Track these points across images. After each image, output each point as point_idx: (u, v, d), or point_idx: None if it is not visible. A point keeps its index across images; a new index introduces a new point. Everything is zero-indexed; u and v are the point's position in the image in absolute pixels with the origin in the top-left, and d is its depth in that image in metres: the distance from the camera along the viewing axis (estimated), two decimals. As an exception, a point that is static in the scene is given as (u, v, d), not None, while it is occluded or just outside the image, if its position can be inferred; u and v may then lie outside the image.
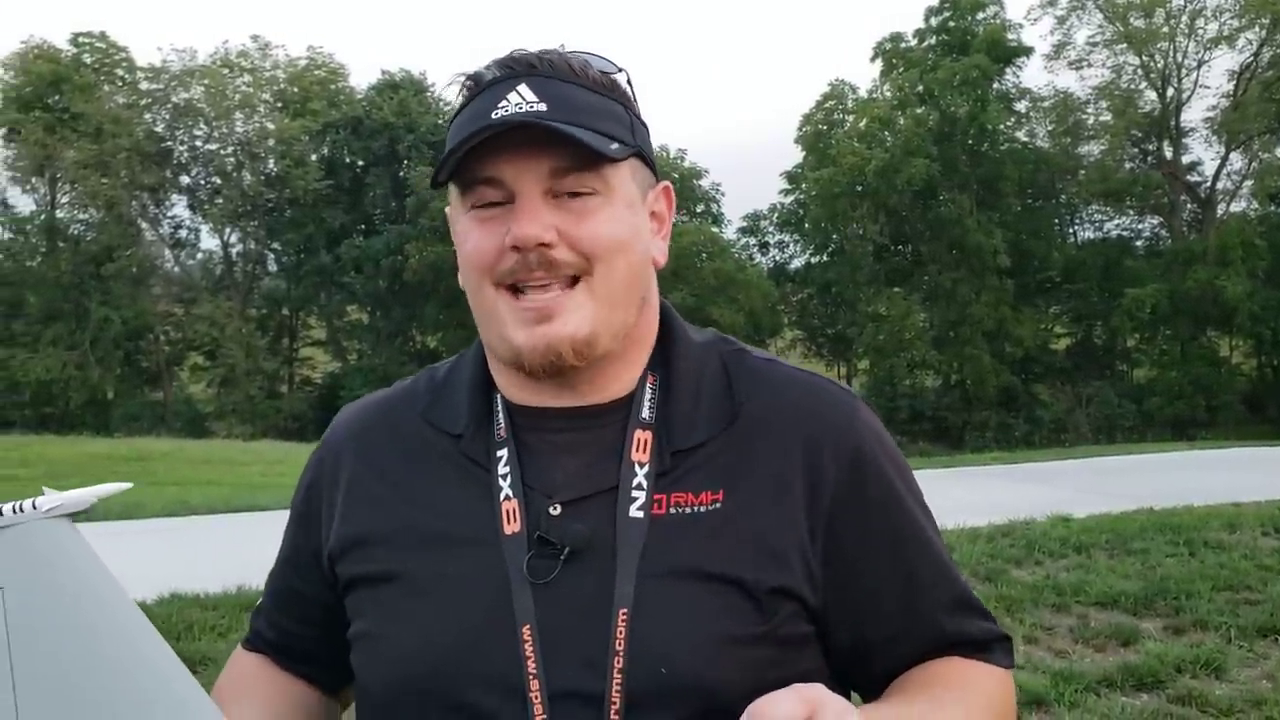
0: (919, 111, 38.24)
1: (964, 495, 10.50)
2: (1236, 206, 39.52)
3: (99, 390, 39.35)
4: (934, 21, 40.25)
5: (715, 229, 43.19)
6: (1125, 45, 38.76)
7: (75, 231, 42.07)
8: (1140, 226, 41.56)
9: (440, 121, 43.02)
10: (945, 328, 37.67)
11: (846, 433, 1.16)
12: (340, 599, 1.22)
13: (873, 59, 41.76)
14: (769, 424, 1.15)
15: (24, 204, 42.76)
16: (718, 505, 1.10)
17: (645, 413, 1.15)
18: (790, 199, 44.55)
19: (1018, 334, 36.67)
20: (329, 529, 1.23)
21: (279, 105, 42.80)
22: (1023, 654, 5.66)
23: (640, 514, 1.09)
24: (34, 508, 0.98)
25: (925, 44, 40.49)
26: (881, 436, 1.20)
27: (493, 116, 1.08)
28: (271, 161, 41.87)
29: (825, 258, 42.52)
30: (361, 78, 54.34)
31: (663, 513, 1.10)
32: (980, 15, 39.58)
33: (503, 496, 1.12)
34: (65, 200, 42.24)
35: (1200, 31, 37.95)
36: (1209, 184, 39.24)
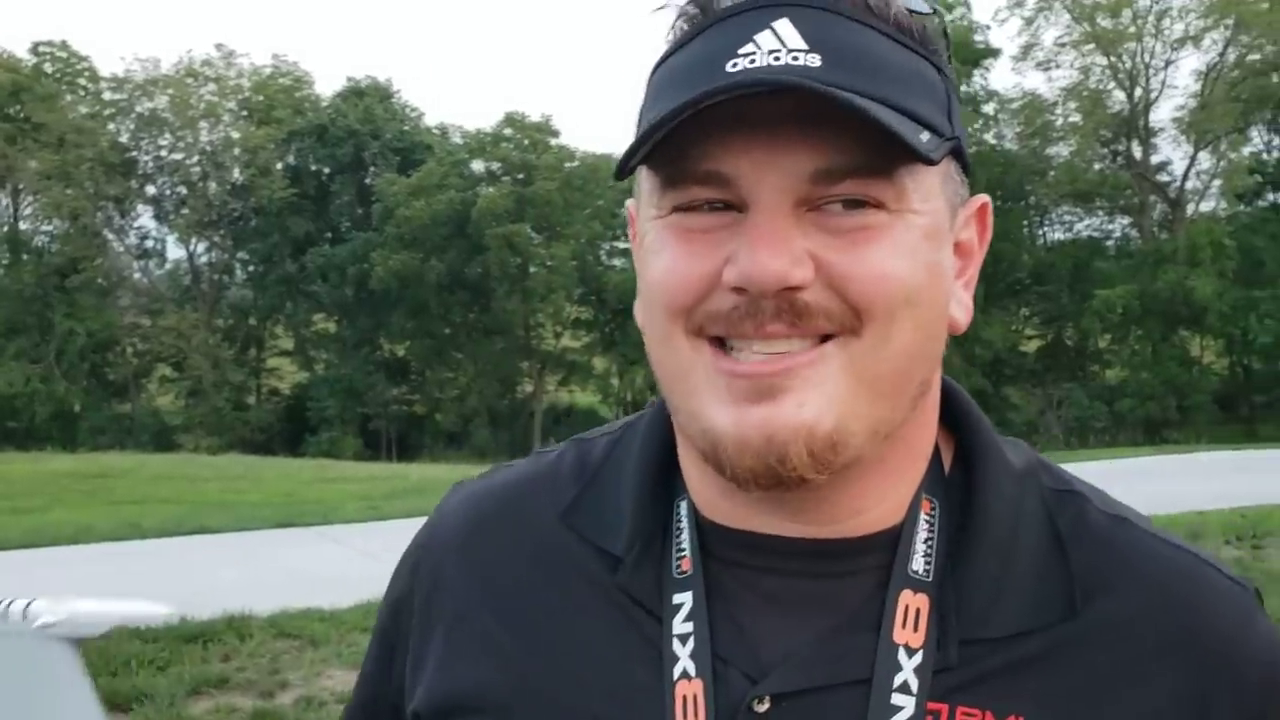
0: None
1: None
2: (1206, 206, 39.86)
3: (65, 403, 38.99)
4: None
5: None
6: (1093, 46, 38.91)
7: (39, 243, 41.76)
8: (1110, 227, 41.79)
9: (406, 128, 42.94)
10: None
11: (1250, 660, 0.73)
12: None
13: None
14: (1129, 634, 0.72)
15: (-14, 216, 42.34)
16: None
17: (918, 562, 0.73)
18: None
19: (987, 336, 36.67)
20: (417, 676, 0.84)
21: (244, 114, 42.64)
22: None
23: None
24: (23, 615, 0.76)
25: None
26: None
27: (729, 68, 0.66)
28: (237, 170, 41.68)
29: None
30: (327, 85, 53.99)
31: None
32: (948, 17, 39.51)
33: (678, 673, 0.72)
34: (28, 211, 41.99)
35: (1166, 32, 38.16)
36: (1178, 184, 39.46)
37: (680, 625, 0.74)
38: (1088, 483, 0.82)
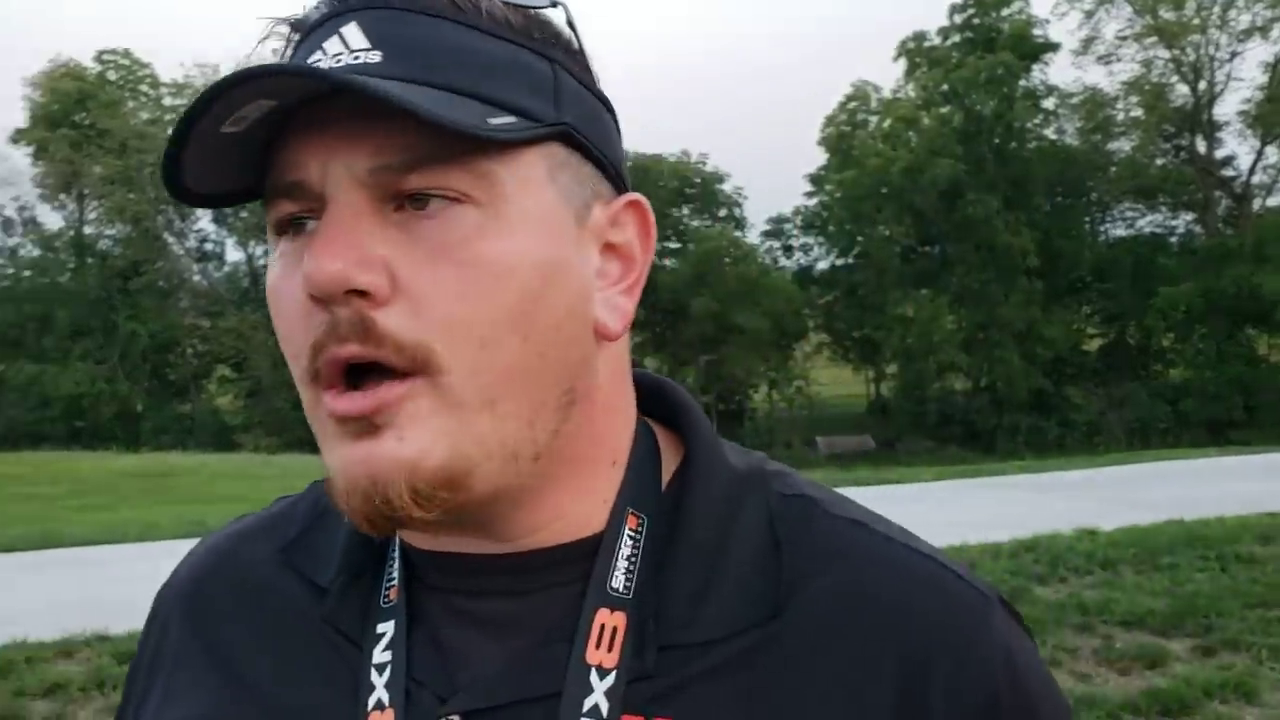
0: (944, 111, 38.03)
1: (987, 508, 10.27)
2: (1273, 201, 38.99)
3: (128, 404, 39.72)
4: (958, 19, 40.00)
5: (738, 233, 43.07)
6: (1155, 39, 38.29)
7: (103, 247, 42.59)
8: (1173, 223, 41.11)
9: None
10: (974, 330, 37.38)
11: (974, 657, 0.69)
12: None
13: (896, 58, 41.55)
14: (839, 627, 0.69)
15: (52, 220, 43.35)
16: None
17: (618, 579, 0.70)
18: (814, 201, 44.44)
19: (1048, 335, 36.29)
20: None
21: (302, 117, 43.10)
22: (1043, 678, 5.44)
23: None
24: None
25: (949, 42, 40.24)
26: (1034, 669, 0.72)
27: (261, 66, 0.63)
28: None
29: (850, 260, 42.37)
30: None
31: None
32: (1005, 11, 39.26)
33: (372, 703, 0.70)
34: (93, 216, 42.81)
35: (1232, 23, 37.48)
36: (1244, 178, 38.67)
37: (380, 655, 0.71)
38: (835, 491, 0.78)
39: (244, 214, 42.01)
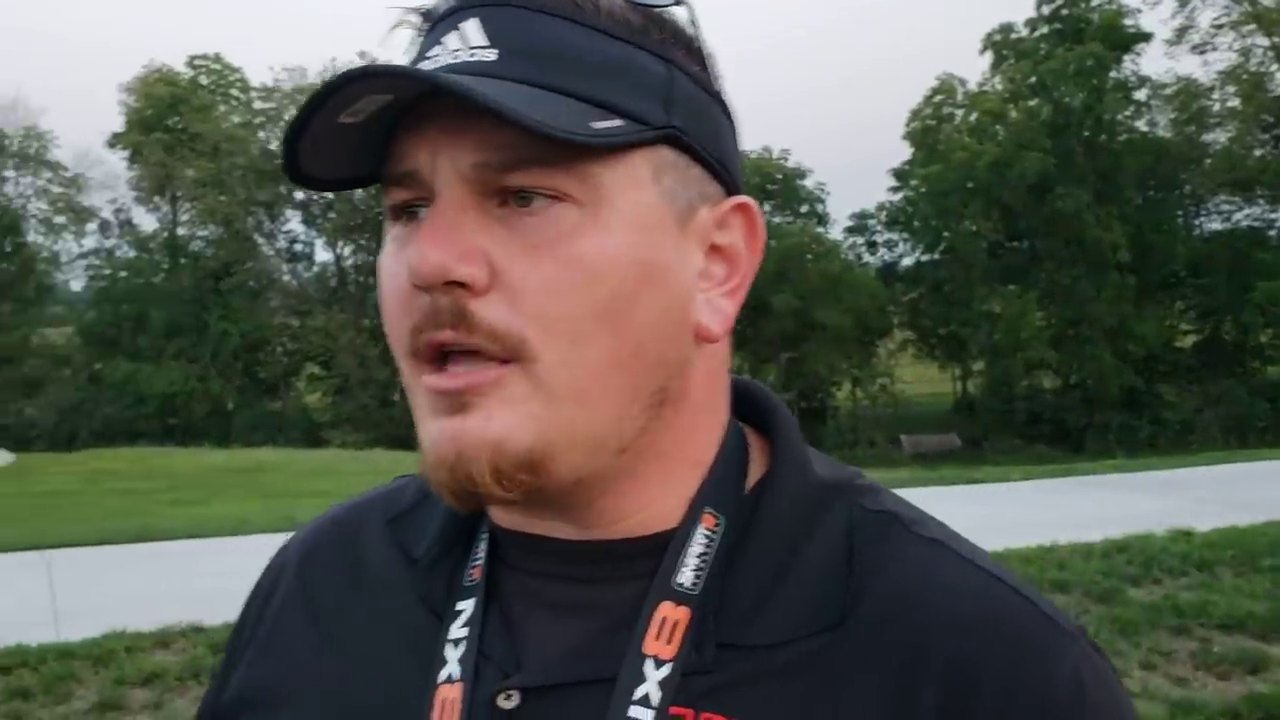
0: (1032, 104, 37.38)
1: (1079, 507, 10.05)
2: (1378, 192, 37.58)
3: (220, 401, 40.69)
4: (1046, 10, 39.22)
5: (820, 229, 42.77)
6: (1254, 26, 37.15)
7: (195, 248, 43.68)
8: (1272, 216, 39.79)
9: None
10: (1064, 326, 36.67)
11: (1030, 685, 0.67)
12: None
13: (982, 51, 40.90)
14: (894, 640, 0.68)
15: (147, 222, 44.64)
16: None
17: (686, 575, 0.71)
18: (899, 196, 43.95)
19: (1140, 332, 35.43)
20: (236, 674, 0.85)
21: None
22: (1138, 681, 5.33)
23: None
24: None
25: (1037, 34, 39.49)
26: (1110, 712, 0.69)
27: (380, 65, 0.66)
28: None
29: (936, 256, 41.80)
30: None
31: None
32: (1095, 2, 38.38)
33: (443, 677, 0.72)
34: (185, 218, 43.91)
35: (1334, 9, 36.17)
36: (1346, 170, 37.32)
37: (456, 630, 0.74)
38: (926, 514, 0.77)
39: (332, 214, 42.84)
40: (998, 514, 9.97)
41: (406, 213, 0.69)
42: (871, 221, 45.19)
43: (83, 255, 44.92)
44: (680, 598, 0.70)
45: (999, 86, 40.03)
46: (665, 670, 0.68)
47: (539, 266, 0.65)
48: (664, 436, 0.72)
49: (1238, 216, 40.05)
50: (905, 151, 42.61)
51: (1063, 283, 36.50)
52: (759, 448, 0.78)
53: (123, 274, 43.43)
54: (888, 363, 43.32)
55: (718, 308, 0.73)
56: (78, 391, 38.56)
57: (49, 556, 9.04)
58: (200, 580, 7.64)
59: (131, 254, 44.31)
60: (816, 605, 0.70)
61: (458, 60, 0.67)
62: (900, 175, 43.21)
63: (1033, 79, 37.92)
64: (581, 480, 0.69)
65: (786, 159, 43.29)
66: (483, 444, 0.65)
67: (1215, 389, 34.07)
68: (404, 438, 37.97)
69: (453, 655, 0.72)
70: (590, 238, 0.66)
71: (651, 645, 0.69)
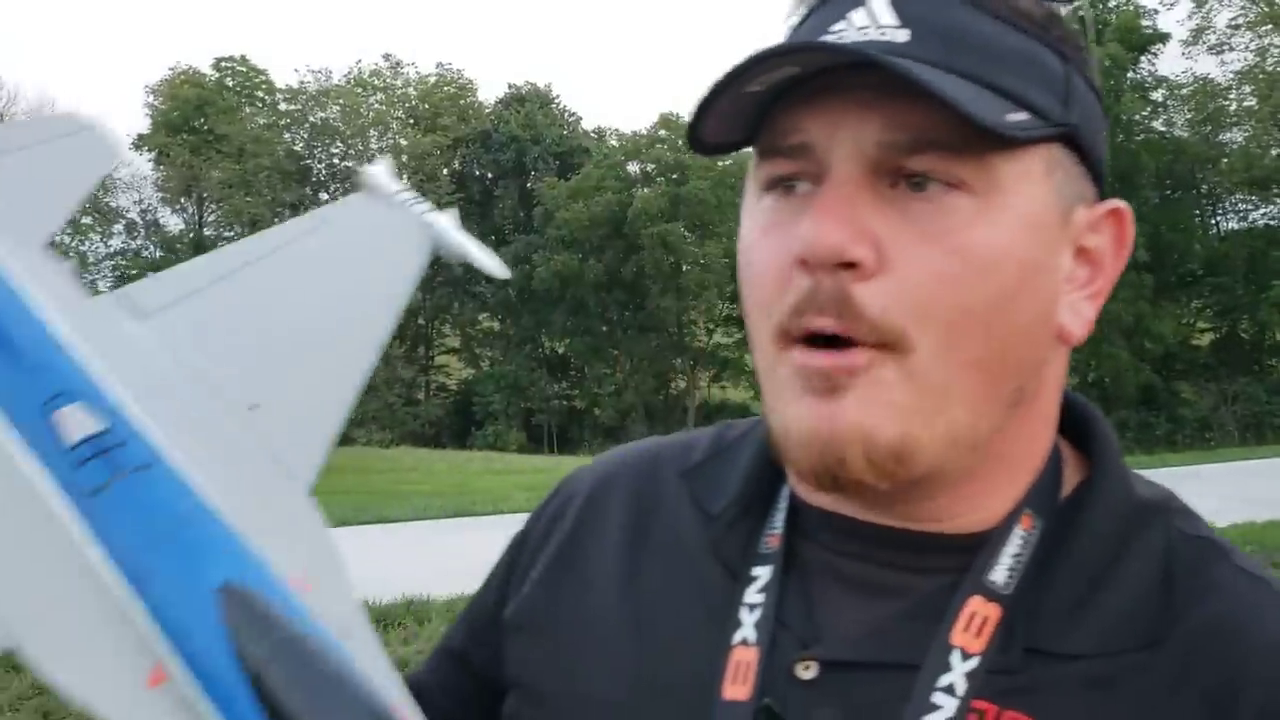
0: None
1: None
2: (1394, 192, 37.64)
3: (249, 401, 41.00)
4: (1064, 12, 39.29)
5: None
6: (1270, 26, 37.21)
7: (221, 248, 43.92)
8: (1289, 215, 39.83)
9: (565, 133, 43.96)
10: (1081, 325, 36.68)
11: None
12: (497, 694, 0.86)
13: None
14: (1206, 668, 0.67)
15: (173, 223, 45.04)
16: None
17: (999, 574, 0.70)
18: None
19: (1158, 330, 35.51)
20: (518, 590, 0.88)
21: (411, 122, 44.06)
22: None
23: None
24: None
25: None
26: None
27: (817, 40, 0.67)
28: (405, 177, 43.08)
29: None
30: (489, 92, 55.49)
31: None
32: (1112, 3, 38.52)
33: (738, 639, 0.73)
34: (212, 219, 44.25)
35: (1352, 9, 36.26)
36: (1364, 169, 37.40)
37: (753, 595, 0.74)
38: (1229, 543, 0.76)
39: (355, 215, 43.15)
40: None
41: (783, 186, 0.69)
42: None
43: (109, 256, 45.39)
44: (992, 594, 0.69)
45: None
46: (972, 663, 0.67)
47: (929, 256, 0.64)
48: (1013, 438, 0.71)
49: (1254, 215, 40.10)
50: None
51: (1081, 282, 36.55)
52: (1073, 458, 0.77)
53: (149, 275, 43.73)
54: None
55: (1080, 311, 0.72)
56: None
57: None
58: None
59: (158, 255, 44.72)
60: (1130, 623, 0.68)
61: (866, 38, 0.65)
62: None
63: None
64: (933, 474, 0.69)
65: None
66: (857, 431, 0.65)
67: (1232, 387, 34.20)
68: (429, 436, 38.40)
69: (748, 619, 0.73)
70: (982, 230, 0.65)
71: (959, 637, 0.68)
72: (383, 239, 0.87)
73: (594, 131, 45.70)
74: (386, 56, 48.38)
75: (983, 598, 0.69)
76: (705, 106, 0.66)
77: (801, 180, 0.67)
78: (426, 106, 44.15)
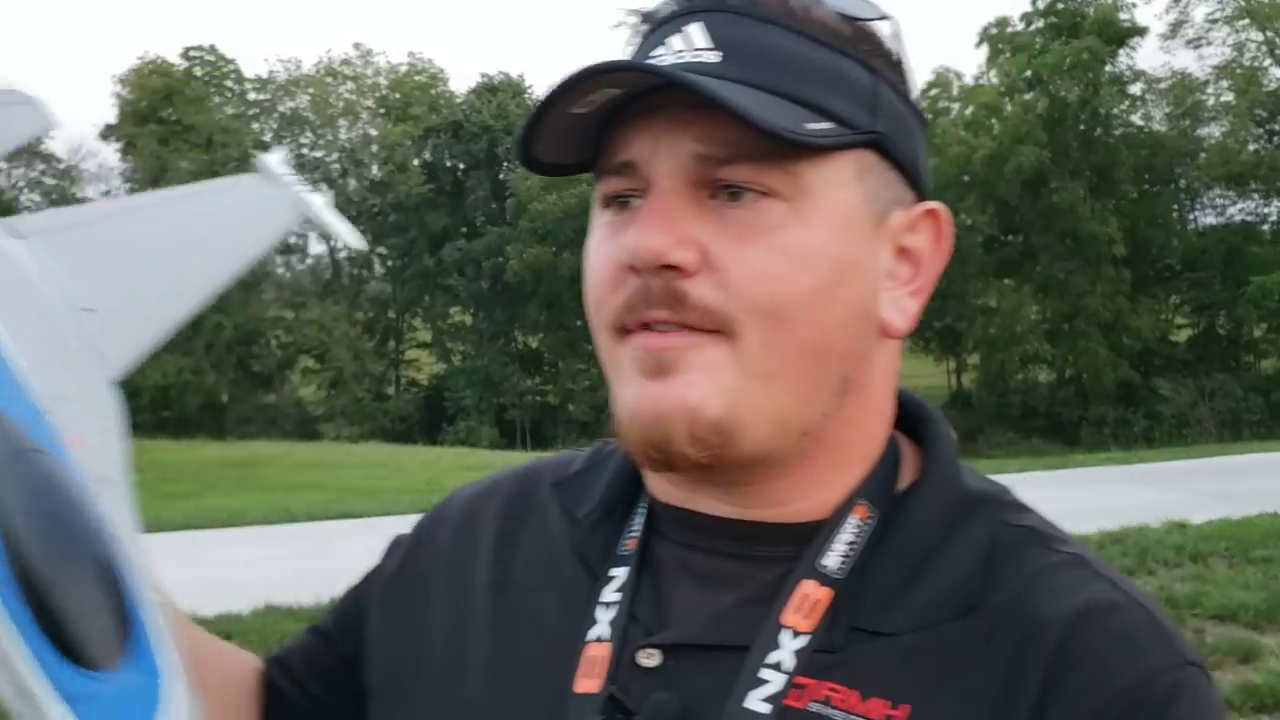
0: (1027, 98, 37.26)
1: (1074, 499, 10.05)
2: (1371, 187, 37.62)
3: (214, 394, 40.56)
4: (1042, 4, 39.13)
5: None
6: (1248, 21, 37.16)
7: (190, 240, 43.52)
8: (1267, 210, 39.77)
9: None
10: (1059, 320, 36.61)
11: (1126, 680, 0.69)
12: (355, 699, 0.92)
13: (978, 44, 40.80)
14: (1014, 628, 0.72)
15: (142, 215, 44.41)
16: None
17: (832, 559, 0.75)
18: (894, 191, 43.78)
19: (1135, 325, 35.44)
20: (387, 595, 0.93)
21: (381, 111, 43.70)
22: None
23: (765, 707, 0.70)
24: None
25: (1033, 27, 39.40)
26: None
27: (623, 62, 0.73)
28: (375, 167, 42.73)
29: (932, 250, 41.69)
30: (461, 82, 54.93)
31: (801, 705, 0.71)
32: (1093, -4, 38.36)
33: (593, 635, 0.78)
34: (180, 210, 43.69)
35: (1329, 4, 36.18)
36: (1340, 164, 37.35)
37: (610, 594, 0.79)
38: (1058, 529, 0.80)
39: (326, 207, 42.73)
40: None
41: (618, 202, 0.74)
42: (867, 215, 45.17)
43: (76, 247, 44.78)
44: (824, 578, 0.74)
45: (995, 80, 39.98)
46: (800, 641, 0.72)
47: (748, 253, 0.70)
48: (843, 427, 0.76)
49: (1232, 210, 40.11)
50: (901, 145, 42.61)
51: (1058, 276, 36.45)
52: (910, 453, 0.82)
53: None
54: (883, 356, 43.24)
55: (902, 306, 0.77)
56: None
57: (43, 548, 9.02)
58: (196, 571, 7.64)
59: (125, 246, 44.20)
60: (947, 601, 0.73)
61: (683, 60, 0.72)
62: (896, 169, 43.18)
63: (1028, 73, 37.85)
64: (763, 459, 0.74)
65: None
66: (681, 407, 0.70)
67: (1210, 383, 34.07)
68: (399, 432, 38.01)
69: (604, 617, 0.78)
70: (795, 231, 0.71)
71: (790, 617, 0.73)
72: (254, 206, 1.00)
73: (568, 123, 45.32)
74: (357, 45, 48.04)
75: (815, 581, 0.74)
76: (531, 127, 0.72)
77: (634, 196, 0.73)
78: (397, 96, 43.78)
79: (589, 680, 0.75)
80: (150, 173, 41.34)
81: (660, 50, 0.73)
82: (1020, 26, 39.91)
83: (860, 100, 0.74)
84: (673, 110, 0.70)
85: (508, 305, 40.34)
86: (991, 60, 40.37)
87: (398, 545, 0.97)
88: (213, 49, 44.11)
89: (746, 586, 0.76)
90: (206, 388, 39.92)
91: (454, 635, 0.85)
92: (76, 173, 44.31)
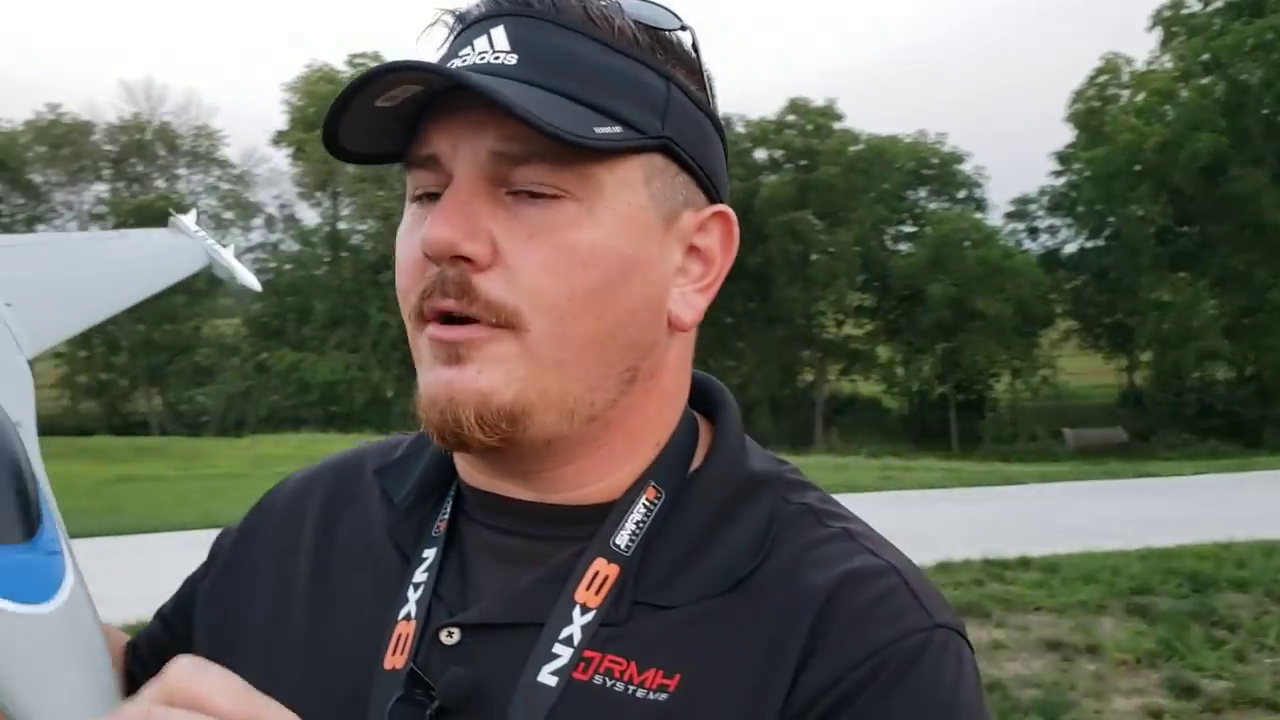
0: (1204, 82, 35.41)
1: (1258, 503, 9.40)
2: None
3: (380, 389, 41.80)
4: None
5: (979, 215, 41.49)
6: None
7: (355, 241, 45.00)
8: None
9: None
10: (1238, 315, 34.74)
11: (876, 642, 0.73)
12: None
13: (1150, 28, 39.02)
14: (780, 599, 0.76)
15: (310, 217, 46.21)
16: (664, 695, 0.74)
17: (622, 537, 0.79)
18: (1061, 181, 42.26)
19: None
20: (214, 581, 0.96)
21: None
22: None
23: (553, 680, 0.75)
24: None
25: (1211, 8, 37.43)
26: (942, 683, 0.73)
27: (416, 61, 0.75)
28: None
29: (1101, 242, 40.11)
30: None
31: (586, 677, 0.75)
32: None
33: (402, 614, 0.81)
34: (346, 212, 45.30)
35: None
36: None
37: (419, 575, 0.83)
38: (848, 510, 0.85)
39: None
40: (1170, 510, 9.42)
41: (427, 196, 0.78)
42: (1033, 206, 43.62)
43: (249, 249, 46.72)
44: (613, 556, 0.78)
45: (1168, 65, 38.11)
46: (589, 616, 0.76)
47: (536, 250, 0.74)
48: (632, 413, 0.81)
49: None
50: (1068, 134, 41.03)
51: (1237, 269, 34.60)
52: (706, 435, 0.87)
53: (287, 267, 45.03)
54: (1050, 353, 41.73)
55: (690, 302, 0.81)
56: (245, 379, 40.19)
57: (211, 535, 9.33)
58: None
59: (295, 248, 45.98)
60: (724, 575, 0.78)
61: (483, 61, 0.75)
62: (1063, 159, 41.57)
63: (1205, 56, 35.97)
64: (553, 442, 0.78)
65: (943, 143, 42.14)
66: (472, 393, 0.74)
67: None
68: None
69: (413, 596, 0.81)
70: (584, 230, 0.74)
71: (582, 594, 0.77)
72: (164, 251, 1.15)
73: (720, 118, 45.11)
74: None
75: (605, 559, 0.78)
76: (335, 116, 0.75)
77: (439, 192, 0.76)
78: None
79: (396, 656, 0.79)
80: (319, 176, 42.95)
81: (466, 51, 0.76)
82: (1197, 8, 37.98)
83: (652, 106, 0.76)
84: (472, 110, 0.74)
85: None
86: (1165, 44, 38.55)
87: (227, 533, 0.99)
88: (377, 56, 45.45)
89: (543, 566, 0.80)
90: (373, 384, 41.20)
91: (274, 619, 0.88)
92: (250, 177, 46.40)
